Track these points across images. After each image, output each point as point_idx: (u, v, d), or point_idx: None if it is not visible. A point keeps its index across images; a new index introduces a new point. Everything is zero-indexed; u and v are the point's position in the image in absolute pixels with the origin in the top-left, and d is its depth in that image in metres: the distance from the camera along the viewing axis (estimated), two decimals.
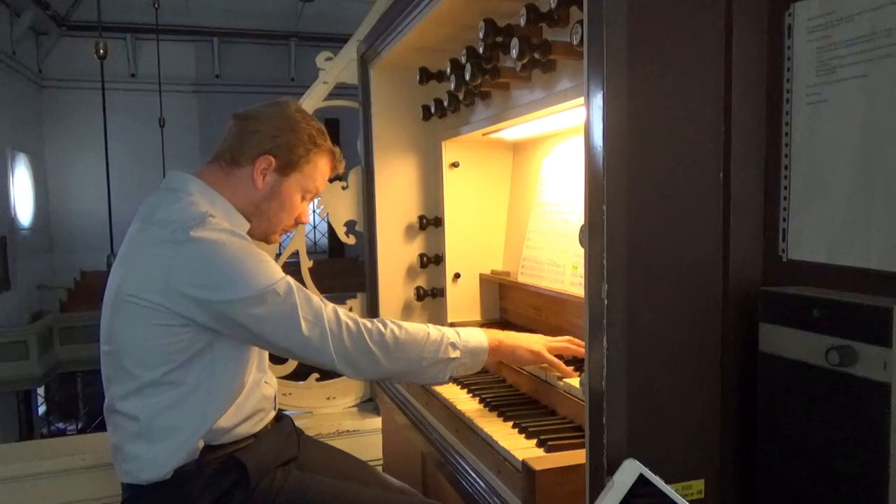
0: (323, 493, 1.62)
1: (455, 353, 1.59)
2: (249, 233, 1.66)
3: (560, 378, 1.61)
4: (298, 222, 1.77)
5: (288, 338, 1.49)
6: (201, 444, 1.52)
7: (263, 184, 1.64)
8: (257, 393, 1.64)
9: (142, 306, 1.45)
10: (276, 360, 1.97)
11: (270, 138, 1.63)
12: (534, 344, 1.65)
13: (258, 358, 1.66)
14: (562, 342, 1.67)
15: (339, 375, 2.63)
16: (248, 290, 1.44)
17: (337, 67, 2.60)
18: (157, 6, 8.86)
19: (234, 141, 1.65)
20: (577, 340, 1.68)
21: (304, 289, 1.53)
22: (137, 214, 1.59)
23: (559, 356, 1.65)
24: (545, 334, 1.73)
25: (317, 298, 1.53)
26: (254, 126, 1.65)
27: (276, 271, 1.51)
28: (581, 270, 1.40)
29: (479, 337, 1.64)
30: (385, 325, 1.56)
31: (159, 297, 1.44)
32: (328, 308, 1.53)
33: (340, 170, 1.80)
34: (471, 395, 1.81)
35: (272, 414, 1.73)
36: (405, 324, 1.59)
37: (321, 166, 1.72)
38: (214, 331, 1.49)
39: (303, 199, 1.72)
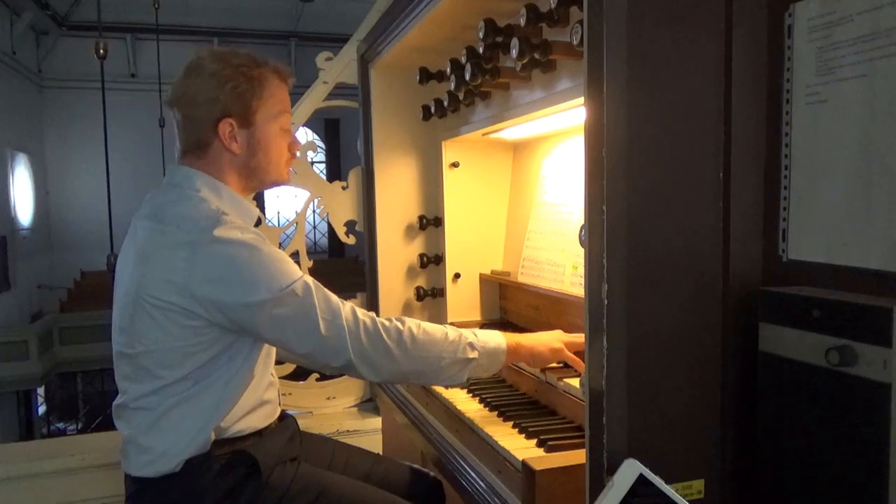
0: (334, 488, 1.61)
1: (473, 354, 1.55)
2: (262, 185, 1.67)
3: (560, 378, 1.61)
4: (293, 150, 1.69)
5: (306, 340, 1.47)
6: (213, 435, 1.52)
7: (239, 145, 1.58)
8: (263, 384, 1.64)
9: (165, 309, 1.44)
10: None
11: (214, 104, 1.55)
12: (553, 341, 1.64)
13: (266, 350, 1.66)
14: (579, 337, 1.64)
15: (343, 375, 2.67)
16: (267, 293, 1.43)
17: (337, 67, 2.60)
18: (157, 6, 8.82)
19: (186, 126, 1.59)
20: None
21: (322, 287, 1.51)
22: (141, 211, 1.56)
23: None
24: None
25: (335, 297, 1.51)
26: (190, 101, 1.57)
27: (294, 271, 1.49)
28: (581, 270, 1.40)
29: (498, 339, 1.60)
30: (403, 323, 1.53)
31: (182, 300, 1.43)
32: (346, 307, 1.51)
33: (291, 80, 1.67)
34: (471, 395, 1.81)
35: (278, 411, 1.73)
36: (423, 323, 1.56)
37: (273, 89, 1.61)
38: (236, 331, 1.49)
39: (281, 127, 1.63)
